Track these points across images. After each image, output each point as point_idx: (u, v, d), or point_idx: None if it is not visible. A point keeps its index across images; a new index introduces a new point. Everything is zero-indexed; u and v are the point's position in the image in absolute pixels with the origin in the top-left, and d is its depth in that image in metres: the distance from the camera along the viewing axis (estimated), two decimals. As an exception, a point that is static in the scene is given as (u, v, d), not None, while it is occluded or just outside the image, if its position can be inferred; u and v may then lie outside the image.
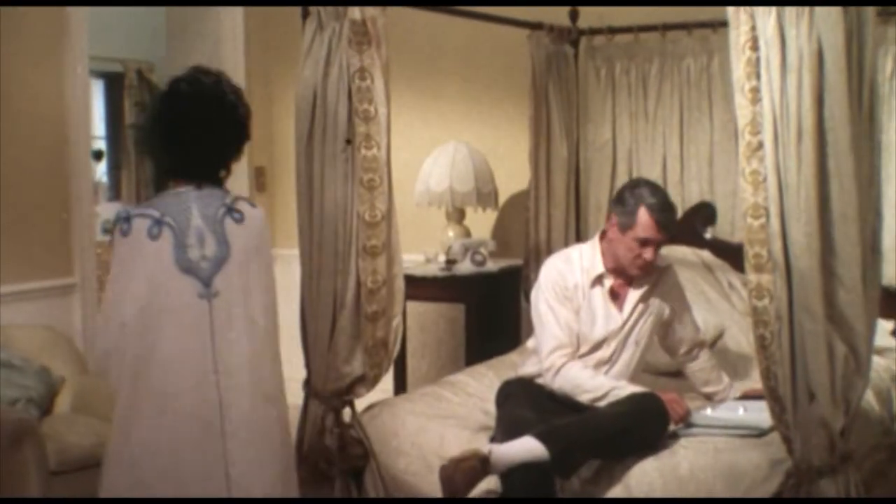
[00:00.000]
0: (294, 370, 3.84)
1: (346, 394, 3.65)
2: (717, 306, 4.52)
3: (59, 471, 3.85)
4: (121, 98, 8.51)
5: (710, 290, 4.61)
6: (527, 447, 3.23)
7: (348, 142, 3.51)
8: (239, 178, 5.60)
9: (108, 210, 7.40)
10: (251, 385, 2.61)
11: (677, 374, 3.98)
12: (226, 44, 5.84)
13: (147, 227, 2.55)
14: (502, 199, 5.42)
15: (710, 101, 4.87)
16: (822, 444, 2.89)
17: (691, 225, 4.79)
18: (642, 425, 3.36)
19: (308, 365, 3.69)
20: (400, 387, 5.13)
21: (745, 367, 4.17)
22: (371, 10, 3.51)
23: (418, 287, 4.91)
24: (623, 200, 3.60)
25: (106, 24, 6.87)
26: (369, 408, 3.83)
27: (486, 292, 5.18)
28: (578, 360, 3.60)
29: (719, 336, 4.38)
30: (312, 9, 3.57)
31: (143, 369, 2.53)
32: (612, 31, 5.04)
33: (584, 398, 3.53)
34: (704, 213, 4.86)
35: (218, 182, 2.68)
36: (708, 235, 4.85)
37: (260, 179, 6.11)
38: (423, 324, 5.22)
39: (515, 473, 3.23)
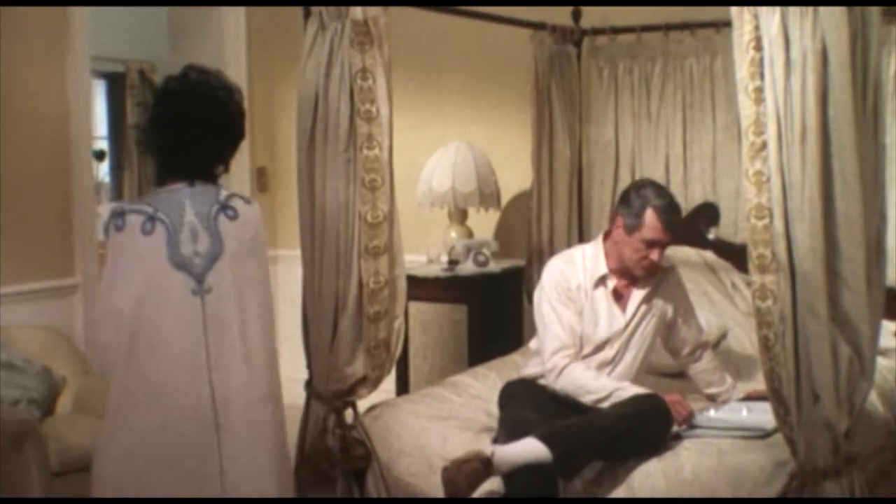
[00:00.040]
0: (295, 371, 3.85)
1: (347, 395, 3.64)
2: (721, 307, 4.51)
3: (60, 471, 3.85)
4: (123, 98, 8.52)
5: (714, 290, 4.59)
6: (529, 448, 3.22)
7: None
8: (240, 178, 5.60)
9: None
10: (245, 381, 2.61)
11: (680, 375, 3.96)
12: (227, 44, 5.84)
13: (140, 223, 2.57)
14: (505, 199, 5.41)
15: (714, 102, 4.85)
16: (826, 445, 2.88)
17: (694, 225, 4.78)
18: (645, 427, 3.35)
19: (310, 366, 3.68)
20: (402, 388, 5.12)
21: (749, 368, 4.15)
22: (373, 10, 3.50)
23: (420, 288, 4.90)
24: (629, 202, 3.58)
25: (108, 25, 6.88)
26: (371, 409, 3.83)
27: (488, 293, 5.16)
28: (581, 361, 3.59)
29: (723, 337, 4.37)
30: (314, 9, 3.56)
31: (135, 362, 2.54)
32: (615, 31, 5.02)
33: (587, 399, 3.52)
34: (708, 213, 4.85)
35: (212, 179, 2.68)
36: (711, 236, 4.84)
37: (261, 180, 6.11)
38: (426, 325, 5.20)
39: (518, 475, 3.22)
